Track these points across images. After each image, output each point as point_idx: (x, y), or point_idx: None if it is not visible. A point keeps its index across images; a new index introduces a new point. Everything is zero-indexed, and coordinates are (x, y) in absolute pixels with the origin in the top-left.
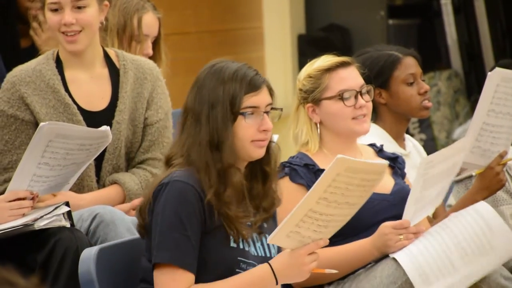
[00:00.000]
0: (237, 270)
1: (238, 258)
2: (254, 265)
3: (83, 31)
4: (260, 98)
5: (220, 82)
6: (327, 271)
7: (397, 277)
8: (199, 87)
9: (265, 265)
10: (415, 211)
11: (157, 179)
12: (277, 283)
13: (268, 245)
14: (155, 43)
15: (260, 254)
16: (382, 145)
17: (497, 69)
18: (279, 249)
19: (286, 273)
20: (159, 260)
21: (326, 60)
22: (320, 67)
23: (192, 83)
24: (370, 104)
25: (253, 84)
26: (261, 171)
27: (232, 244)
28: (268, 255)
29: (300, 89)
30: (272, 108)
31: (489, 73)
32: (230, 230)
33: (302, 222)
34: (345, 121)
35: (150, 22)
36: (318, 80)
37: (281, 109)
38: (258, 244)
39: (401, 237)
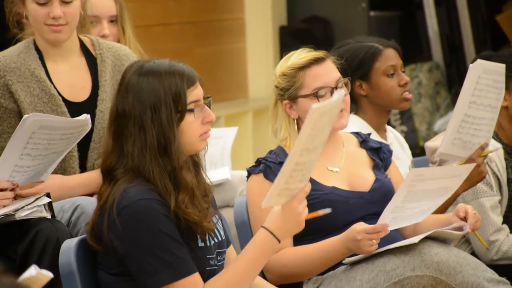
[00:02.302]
0: (207, 268)
1: (207, 256)
2: (215, 258)
3: (68, 25)
4: (199, 91)
5: (157, 81)
6: (321, 212)
7: (377, 283)
8: (136, 91)
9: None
10: (392, 218)
11: (108, 198)
12: (279, 242)
13: (216, 227)
14: (120, 28)
15: (216, 241)
16: (369, 134)
17: (479, 61)
18: (223, 225)
19: (285, 228)
20: (164, 282)
21: (299, 57)
22: (293, 65)
23: (121, 87)
24: (348, 98)
25: (191, 78)
26: (192, 162)
27: (201, 244)
28: (219, 239)
29: (276, 86)
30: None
31: (470, 65)
32: (197, 231)
33: (290, 178)
34: None
35: (96, 2)
36: (292, 78)
37: (210, 97)
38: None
39: (374, 241)
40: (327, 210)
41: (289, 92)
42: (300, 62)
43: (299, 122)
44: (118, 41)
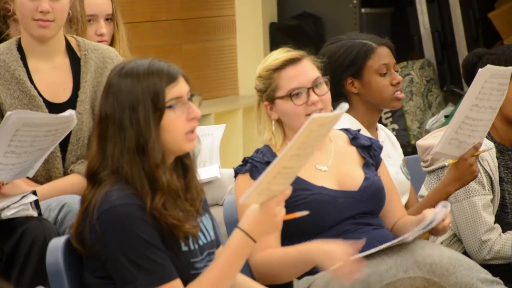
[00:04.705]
0: (192, 272)
1: (191, 260)
2: (203, 259)
3: (55, 22)
4: (181, 87)
5: (136, 82)
6: (298, 214)
7: (370, 283)
8: (115, 93)
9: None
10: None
11: (91, 201)
12: (255, 242)
13: (205, 227)
14: (115, 25)
15: (204, 242)
16: (359, 130)
17: (488, 66)
18: (213, 225)
19: (261, 229)
20: None
21: (275, 58)
22: (268, 67)
23: (104, 90)
24: (327, 96)
25: (171, 75)
26: (181, 165)
27: (184, 248)
28: (209, 239)
29: (255, 88)
30: (191, 95)
31: (479, 70)
32: (178, 235)
33: (273, 179)
34: (299, 118)
35: (93, 1)
36: (268, 80)
37: (200, 94)
38: (199, 234)
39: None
40: (305, 212)
41: (266, 94)
42: (275, 63)
43: (281, 122)
44: (113, 39)
